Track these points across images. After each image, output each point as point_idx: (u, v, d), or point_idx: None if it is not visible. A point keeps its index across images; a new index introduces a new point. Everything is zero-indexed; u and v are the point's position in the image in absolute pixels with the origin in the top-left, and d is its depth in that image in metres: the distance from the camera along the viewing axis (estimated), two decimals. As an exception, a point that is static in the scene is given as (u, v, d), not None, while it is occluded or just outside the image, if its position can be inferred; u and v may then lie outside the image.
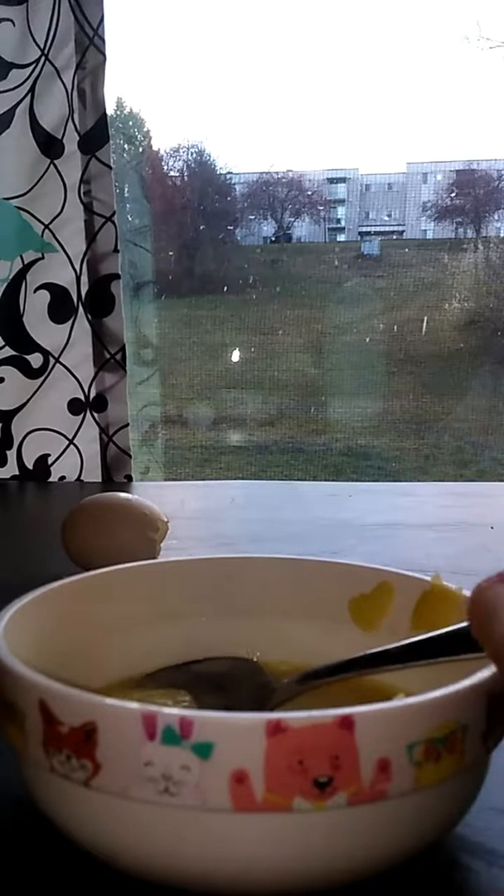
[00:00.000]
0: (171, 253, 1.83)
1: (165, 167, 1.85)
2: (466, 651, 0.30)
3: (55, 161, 0.99)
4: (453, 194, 1.95)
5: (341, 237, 2.05)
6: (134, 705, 0.26)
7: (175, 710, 0.25)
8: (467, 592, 0.36)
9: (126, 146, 1.60)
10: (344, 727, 0.25)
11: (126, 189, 1.37)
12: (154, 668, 0.39)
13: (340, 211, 2.02)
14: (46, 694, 0.27)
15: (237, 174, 1.93)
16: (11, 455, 1.05)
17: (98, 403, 1.04)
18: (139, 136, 1.70)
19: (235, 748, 0.25)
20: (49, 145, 0.99)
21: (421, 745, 0.26)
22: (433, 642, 0.32)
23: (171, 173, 1.88)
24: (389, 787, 0.26)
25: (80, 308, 1.02)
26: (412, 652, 0.33)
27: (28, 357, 1.03)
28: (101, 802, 0.27)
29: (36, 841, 0.32)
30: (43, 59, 0.97)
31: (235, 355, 1.85)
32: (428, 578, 0.38)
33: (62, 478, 1.05)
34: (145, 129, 1.71)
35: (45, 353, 1.03)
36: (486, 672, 0.28)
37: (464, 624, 0.30)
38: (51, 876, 0.30)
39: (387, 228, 2.04)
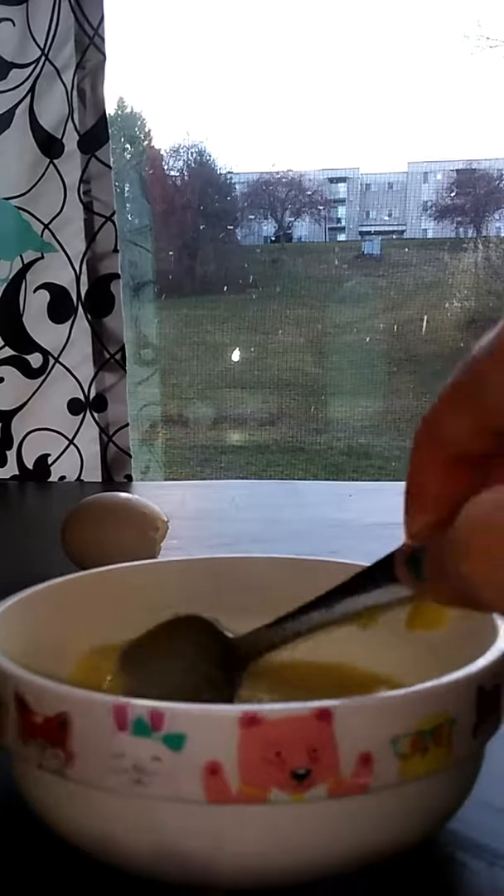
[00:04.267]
0: (171, 253, 1.83)
1: (166, 167, 1.85)
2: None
3: (55, 161, 0.99)
4: (454, 194, 1.95)
5: (342, 237, 2.05)
6: (106, 697, 0.26)
7: (146, 702, 0.25)
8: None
9: (127, 146, 1.60)
10: (322, 720, 0.25)
11: (126, 189, 1.37)
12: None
13: (341, 210, 2.02)
14: (22, 685, 0.28)
15: (237, 174, 1.93)
16: (11, 455, 1.05)
17: (98, 403, 1.04)
18: (140, 136, 1.70)
19: (208, 740, 0.25)
20: (49, 145, 0.99)
21: (407, 738, 0.26)
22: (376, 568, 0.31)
23: (172, 173, 1.88)
24: (372, 780, 0.26)
25: (80, 308, 1.02)
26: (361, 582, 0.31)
27: (28, 357, 1.03)
28: (76, 792, 0.27)
29: (25, 832, 0.32)
30: (43, 58, 0.97)
31: (236, 355, 1.85)
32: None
33: (62, 478, 1.05)
34: (146, 129, 1.71)
35: (45, 353, 1.03)
36: (477, 664, 0.28)
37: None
38: (40, 867, 0.30)
39: (387, 228, 2.05)
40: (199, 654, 0.35)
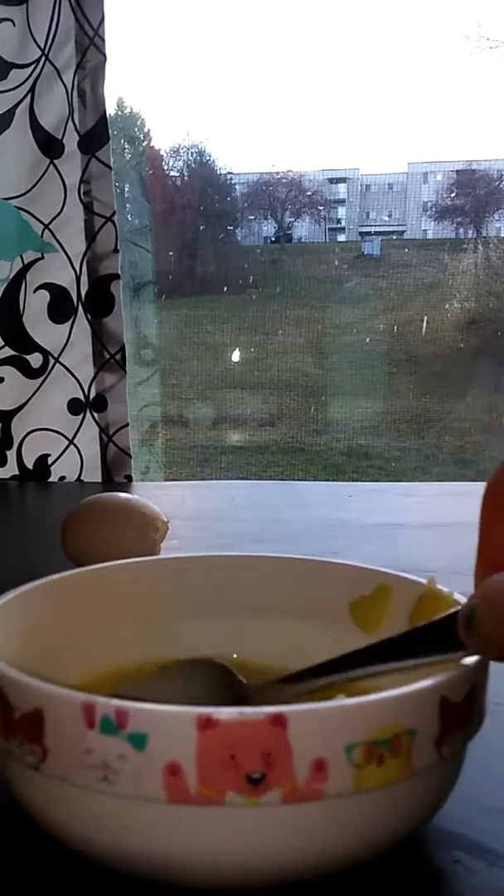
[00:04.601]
0: (171, 253, 1.83)
1: (165, 167, 1.85)
2: (446, 647, 0.29)
3: (55, 161, 0.99)
4: (453, 194, 1.95)
5: (342, 237, 2.05)
6: (75, 694, 0.26)
7: (113, 700, 0.26)
8: (460, 597, 0.36)
9: (126, 146, 1.60)
10: (276, 725, 0.25)
11: (126, 189, 1.37)
12: (143, 665, 0.39)
13: (341, 211, 2.02)
14: (1, 680, 0.28)
15: (237, 174, 1.93)
16: (11, 455, 1.05)
17: (98, 403, 1.04)
18: (140, 136, 1.70)
19: (168, 740, 0.25)
20: (49, 145, 0.99)
21: (360, 746, 0.26)
22: (416, 636, 0.31)
23: (172, 173, 1.89)
24: (326, 787, 0.26)
25: (80, 308, 1.02)
26: (397, 648, 0.31)
27: (28, 357, 1.03)
28: (51, 787, 0.28)
29: (18, 832, 0.32)
30: (43, 59, 0.97)
31: (236, 355, 1.85)
32: (424, 581, 0.37)
33: (62, 478, 1.05)
34: (146, 130, 1.71)
35: (45, 353, 1.03)
36: (438, 676, 0.27)
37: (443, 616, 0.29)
38: (35, 867, 0.30)
39: (387, 228, 2.05)
40: (206, 696, 0.35)
